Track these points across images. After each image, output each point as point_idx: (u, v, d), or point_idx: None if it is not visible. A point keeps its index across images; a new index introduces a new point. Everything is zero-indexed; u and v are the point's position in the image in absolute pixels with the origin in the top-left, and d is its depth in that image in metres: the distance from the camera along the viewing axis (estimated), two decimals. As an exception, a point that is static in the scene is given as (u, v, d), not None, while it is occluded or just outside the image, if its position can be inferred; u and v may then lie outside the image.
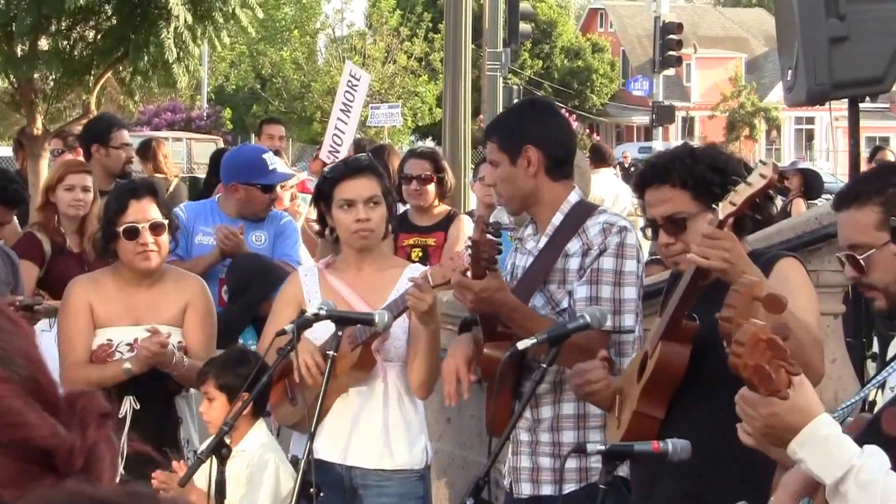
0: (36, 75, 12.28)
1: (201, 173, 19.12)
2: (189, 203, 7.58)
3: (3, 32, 11.78)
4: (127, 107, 14.79)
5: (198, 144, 32.82)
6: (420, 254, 7.19)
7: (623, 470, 4.13)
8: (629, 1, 66.45)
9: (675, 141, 46.49)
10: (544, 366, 4.09)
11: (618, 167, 24.85)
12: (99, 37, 12.36)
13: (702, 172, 4.03)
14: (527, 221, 4.78)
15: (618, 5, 66.07)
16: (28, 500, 1.38)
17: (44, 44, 12.31)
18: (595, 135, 53.49)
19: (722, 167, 4.02)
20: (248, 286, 6.23)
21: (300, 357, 4.64)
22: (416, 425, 4.95)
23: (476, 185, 7.98)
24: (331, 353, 4.47)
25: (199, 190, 10.15)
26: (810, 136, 61.78)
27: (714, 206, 3.80)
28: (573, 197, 4.60)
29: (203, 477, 4.42)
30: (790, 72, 7.51)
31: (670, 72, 43.07)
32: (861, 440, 2.64)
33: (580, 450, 3.69)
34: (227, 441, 4.40)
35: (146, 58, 11.81)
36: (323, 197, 4.97)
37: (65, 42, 12.22)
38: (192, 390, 5.24)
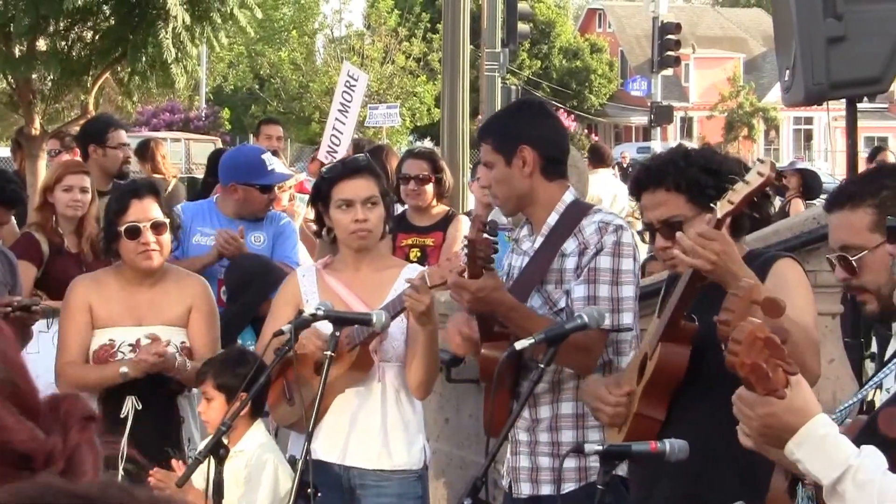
0: (34, 76, 12.28)
1: (200, 174, 19.12)
2: (187, 203, 7.58)
3: (1, 33, 11.78)
4: (125, 107, 14.81)
5: (196, 145, 32.84)
6: (418, 254, 7.19)
7: (623, 469, 4.13)
8: (627, 1, 66.47)
9: (674, 141, 46.52)
10: (542, 366, 4.09)
11: (616, 167, 24.83)
12: (97, 37, 12.36)
13: (695, 175, 4.03)
14: (522, 222, 4.78)
15: (616, 5, 66.08)
16: (1, 494, 1.38)
17: (42, 44, 12.31)
18: (593, 135, 53.49)
19: (716, 169, 4.02)
20: (247, 287, 6.23)
21: (302, 340, 4.64)
22: (414, 425, 4.95)
23: (474, 186, 7.98)
24: (328, 353, 4.47)
25: (198, 190, 10.14)
26: (809, 136, 61.80)
27: (713, 205, 3.80)
28: (568, 197, 4.60)
29: (201, 477, 4.42)
30: (788, 72, 7.51)
31: (669, 72, 43.12)
32: (858, 441, 2.64)
33: (578, 450, 3.69)
34: (225, 441, 4.40)
35: (144, 58, 11.82)
36: (321, 197, 4.97)
37: (63, 42, 12.22)
38: (195, 390, 5.25)
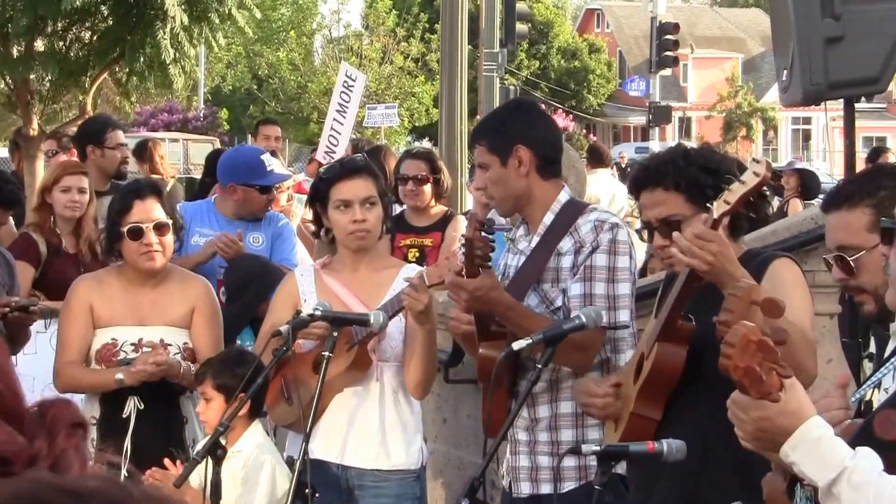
0: (32, 76, 12.27)
1: (198, 174, 19.12)
2: (185, 204, 7.58)
3: (-1, 33, 11.77)
4: (123, 108, 14.80)
5: (194, 145, 32.84)
6: (417, 254, 7.19)
7: (623, 467, 4.14)
8: (626, 1, 66.47)
9: (672, 141, 46.50)
10: (539, 366, 4.09)
11: (614, 168, 24.84)
12: (95, 38, 12.34)
13: (695, 174, 4.03)
14: (518, 222, 4.78)
15: (614, 6, 66.09)
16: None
17: (40, 45, 12.29)
18: (592, 135, 53.51)
19: (715, 168, 4.02)
20: (246, 287, 6.23)
21: (309, 336, 4.64)
22: (412, 425, 4.95)
23: (472, 186, 7.98)
24: (326, 353, 4.47)
25: (195, 191, 10.15)
26: (807, 136, 61.82)
27: (709, 205, 3.80)
28: (563, 196, 4.61)
29: (199, 478, 4.42)
30: (785, 72, 7.51)
31: (667, 72, 43.15)
32: (854, 444, 2.64)
33: (575, 451, 3.69)
34: (223, 442, 4.40)
35: (142, 59, 11.80)
36: (319, 197, 4.97)
37: (61, 43, 12.21)
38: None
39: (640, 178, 4.18)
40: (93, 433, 5.23)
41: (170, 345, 5.21)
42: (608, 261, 4.46)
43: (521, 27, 24.63)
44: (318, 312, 4.49)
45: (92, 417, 5.27)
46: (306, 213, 7.52)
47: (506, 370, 4.41)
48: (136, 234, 5.20)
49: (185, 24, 11.72)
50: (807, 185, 12.49)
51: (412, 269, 4.96)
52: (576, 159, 6.82)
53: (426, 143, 40.53)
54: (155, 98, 33.65)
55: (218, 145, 27.08)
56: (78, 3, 11.24)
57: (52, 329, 6.57)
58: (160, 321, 5.26)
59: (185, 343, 5.25)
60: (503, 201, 4.62)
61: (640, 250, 11.79)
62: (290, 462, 4.71)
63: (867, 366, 7.49)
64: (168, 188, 9.82)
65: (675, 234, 3.83)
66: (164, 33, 11.64)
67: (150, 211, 5.24)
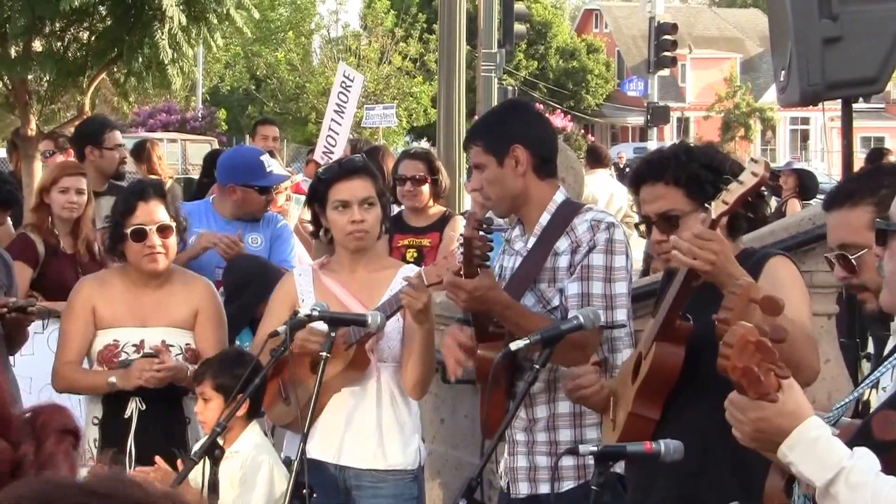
0: (30, 77, 12.27)
1: (196, 174, 19.11)
2: (183, 204, 7.58)
3: (-3, 34, 11.77)
4: (121, 108, 14.80)
5: (193, 145, 32.81)
6: (415, 254, 7.19)
7: (622, 467, 4.13)
8: (624, 1, 66.47)
9: (670, 142, 46.46)
10: (537, 367, 4.09)
11: (612, 168, 24.82)
12: (93, 38, 12.34)
13: (696, 171, 4.03)
14: (514, 223, 4.78)
15: (613, 6, 66.09)
16: (7, 492, 1.39)
17: (38, 45, 12.29)
18: (590, 135, 53.54)
19: (717, 166, 4.02)
20: (245, 288, 6.23)
21: (303, 343, 4.64)
22: (410, 426, 4.95)
23: (469, 187, 7.97)
24: (323, 353, 4.47)
25: (193, 191, 10.14)
26: (805, 136, 61.83)
27: (707, 205, 3.80)
28: (559, 196, 4.61)
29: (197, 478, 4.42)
30: (783, 72, 7.52)
31: (665, 72, 43.13)
32: (852, 444, 2.64)
33: (573, 451, 3.69)
34: (221, 442, 4.40)
35: (140, 59, 11.80)
36: (317, 198, 4.97)
37: (59, 43, 12.21)
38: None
39: (642, 172, 4.18)
40: (95, 433, 5.24)
41: (171, 346, 5.21)
42: (605, 260, 4.47)
43: (519, 27, 24.64)
44: (315, 313, 4.49)
45: (94, 418, 5.27)
46: (304, 214, 7.53)
47: (503, 371, 4.41)
48: (140, 235, 5.20)
49: (183, 24, 11.72)
50: (805, 185, 12.49)
51: (410, 270, 4.95)
52: (574, 160, 6.83)
53: (424, 144, 40.52)
54: (153, 98, 33.64)
55: (216, 145, 27.09)
56: (76, 3, 11.24)
57: (49, 330, 6.57)
58: (162, 322, 5.26)
59: (186, 344, 5.25)
60: (499, 201, 4.61)
61: (637, 250, 11.78)
62: (287, 462, 4.71)
63: (866, 366, 7.49)
64: (166, 189, 9.83)
65: (674, 237, 3.82)
66: (162, 34, 11.64)
67: (153, 213, 5.24)
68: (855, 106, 8.04)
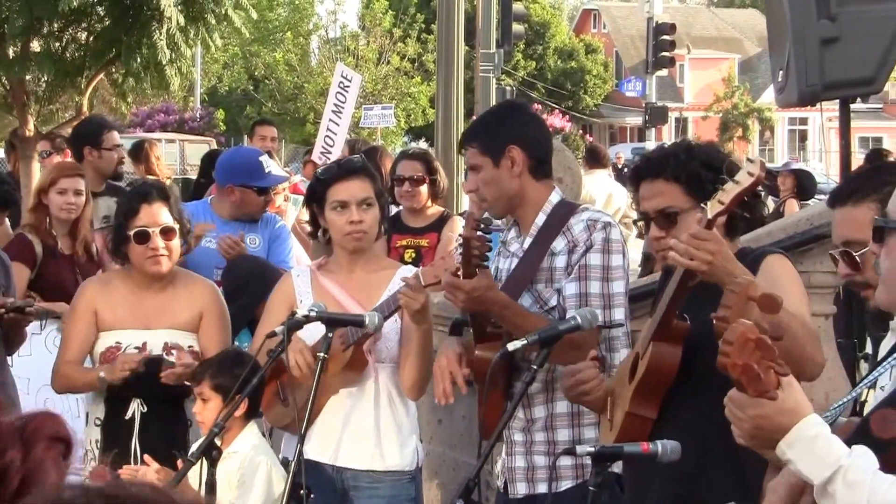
0: (28, 77, 12.25)
1: (194, 175, 19.13)
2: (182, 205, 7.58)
3: (-6, 34, 11.76)
4: (119, 108, 14.78)
5: (191, 146, 32.79)
6: (413, 255, 7.19)
7: (620, 466, 4.13)
8: (622, 2, 66.49)
9: (669, 142, 46.45)
10: (534, 367, 4.09)
11: (611, 168, 24.82)
12: (91, 38, 12.32)
13: (696, 168, 4.04)
14: (510, 224, 4.78)
15: (611, 6, 66.11)
16: (36, 497, 1.40)
17: (36, 45, 12.28)
18: (588, 136, 53.54)
19: (717, 165, 4.02)
20: (244, 288, 6.23)
21: (290, 355, 4.64)
22: (408, 426, 4.95)
23: (465, 188, 7.97)
24: (321, 354, 4.47)
25: (190, 191, 10.14)
26: (803, 136, 61.85)
27: (703, 205, 3.80)
28: (555, 197, 4.61)
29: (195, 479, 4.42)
30: (781, 73, 7.52)
31: (663, 72, 43.14)
32: (851, 442, 2.64)
33: (570, 452, 3.69)
34: (218, 443, 4.40)
35: (139, 59, 11.79)
36: (316, 198, 4.97)
37: (57, 44, 12.19)
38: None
39: (642, 169, 4.19)
40: (97, 434, 5.25)
41: (174, 349, 5.21)
42: (602, 259, 4.47)
43: (517, 27, 24.65)
44: (313, 314, 4.49)
45: (96, 419, 5.28)
46: (302, 214, 7.53)
47: (501, 371, 4.41)
48: (143, 237, 5.20)
49: (181, 24, 11.71)
50: (803, 185, 12.50)
51: (408, 271, 4.95)
52: (571, 160, 6.82)
53: (422, 144, 40.53)
54: (151, 99, 33.60)
55: (214, 146, 27.08)
56: (74, 3, 11.22)
57: (47, 330, 6.58)
58: (165, 325, 5.26)
59: (189, 347, 5.24)
60: (496, 202, 4.61)
61: (636, 251, 11.77)
62: (285, 463, 4.71)
63: (864, 367, 7.49)
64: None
65: (673, 241, 3.82)
66: (160, 34, 11.62)
67: (157, 215, 5.24)
68: (853, 106, 8.04)
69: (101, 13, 12.28)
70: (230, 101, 48.34)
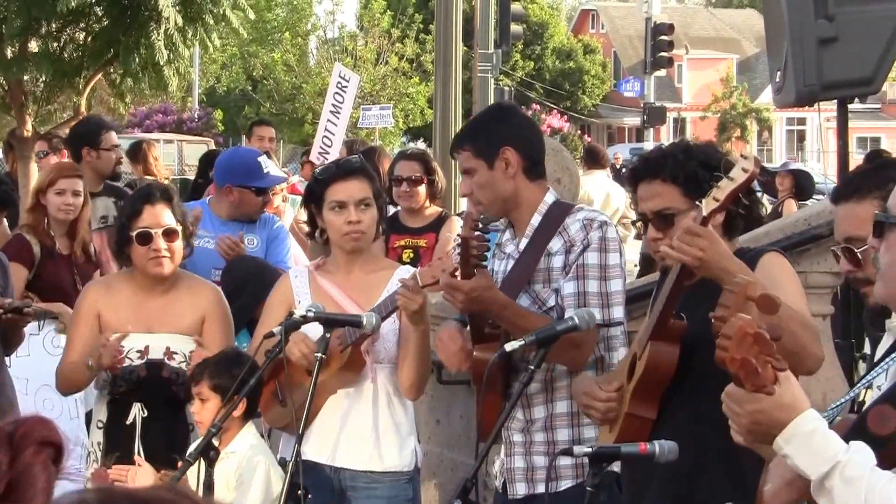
0: (26, 77, 12.27)
1: (192, 175, 19.13)
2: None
3: (-7, 35, 11.76)
4: (117, 109, 14.79)
5: (189, 146, 32.82)
6: (411, 255, 7.18)
7: (619, 465, 4.14)
8: (620, 2, 66.50)
9: (667, 142, 46.41)
10: (531, 367, 4.09)
11: (609, 168, 24.81)
12: (89, 39, 12.33)
13: (693, 169, 4.03)
14: (504, 226, 4.77)
15: (609, 6, 66.12)
16: (62, 501, 1.42)
17: (34, 46, 12.29)
18: (586, 136, 53.54)
19: (716, 165, 4.02)
20: (243, 289, 6.23)
21: (292, 346, 4.64)
22: (406, 427, 4.95)
23: (460, 192, 7.96)
24: (319, 354, 4.47)
25: (188, 192, 10.14)
26: (802, 136, 61.86)
27: (698, 203, 3.80)
28: (549, 197, 4.62)
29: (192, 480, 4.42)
30: (779, 73, 7.52)
31: (662, 73, 43.10)
32: (848, 439, 2.65)
33: (567, 452, 3.69)
34: (216, 443, 4.40)
35: (136, 60, 11.79)
36: (314, 198, 4.97)
37: (55, 44, 12.20)
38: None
39: (639, 170, 4.19)
40: (99, 437, 5.24)
41: (175, 353, 5.21)
42: (599, 258, 4.47)
43: (515, 28, 24.64)
44: (310, 314, 4.49)
45: (98, 421, 5.28)
46: (301, 214, 7.53)
47: (499, 372, 4.41)
48: (145, 238, 5.19)
49: (179, 25, 11.72)
50: (801, 185, 12.50)
51: (406, 271, 4.95)
52: (569, 160, 6.83)
53: (421, 144, 40.52)
54: (149, 99, 33.61)
55: (213, 146, 27.08)
56: (72, 4, 11.23)
57: (45, 331, 6.58)
58: (167, 328, 5.25)
59: (192, 351, 5.23)
60: (491, 205, 4.60)
61: (634, 251, 11.75)
62: (282, 463, 4.71)
63: (862, 367, 7.50)
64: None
65: (666, 241, 3.83)
66: (158, 34, 11.63)
67: (159, 216, 5.23)
68: (851, 106, 8.05)
69: (99, 13, 12.29)
70: (228, 102, 48.33)
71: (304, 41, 47.78)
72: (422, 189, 7.31)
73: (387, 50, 41.97)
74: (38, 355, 6.48)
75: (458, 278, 4.40)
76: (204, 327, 5.27)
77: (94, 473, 5.14)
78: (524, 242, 4.60)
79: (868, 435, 2.70)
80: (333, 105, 12.43)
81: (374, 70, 41.08)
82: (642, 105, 44.16)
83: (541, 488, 4.52)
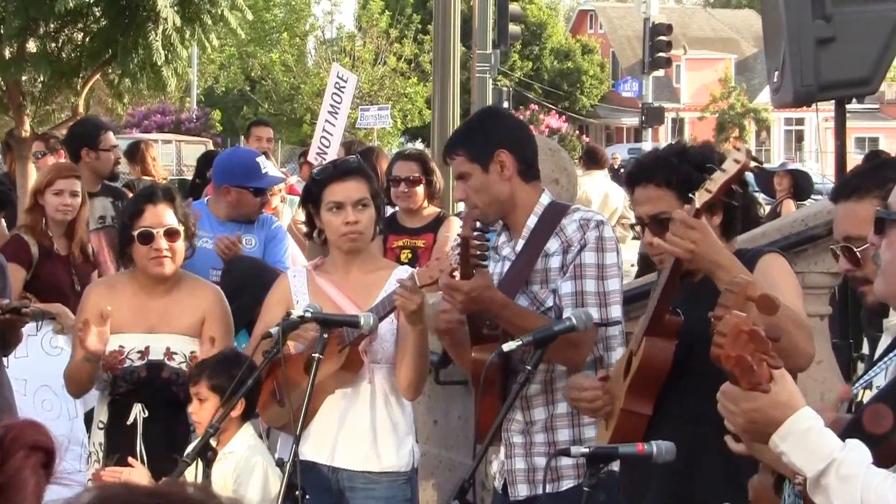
0: (24, 78, 12.27)
1: (191, 175, 19.13)
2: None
3: (-9, 35, 11.77)
4: (115, 109, 14.79)
5: (187, 146, 32.81)
6: (409, 255, 7.18)
7: (618, 464, 4.14)
8: (619, 2, 66.50)
9: (665, 142, 46.49)
10: (528, 367, 4.09)
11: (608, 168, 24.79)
12: (87, 39, 12.34)
13: (688, 172, 4.03)
14: (499, 229, 4.76)
15: (607, 7, 66.12)
16: (83, 497, 1.43)
17: (32, 46, 12.29)
18: (585, 136, 53.54)
19: (712, 167, 4.02)
20: (242, 290, 6.23)
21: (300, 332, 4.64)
22: (404, 427, 4.95)
23: (455, 197, 7.96)
24: (316, 355, 4.47)
25: (186, 192, 10.13)
26: (800, 136, 61.87)
27: (690, 195, 3.81)
28: (545, 199, 4.62)
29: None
30: (777, 73, 7.53)
31: (660, 73, 43.14)
32: (844, 437, 2.65)
33: (564, 453, 3.69)
34: (214, 444, 4.40)
35: (135, 60, 11.80)
36: (311, 199, 4.97)
37: (53, 44, 12.20)
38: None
39: (634, 174, 4.20)
40: (100, 437, 5.24)
41: (175, 353, 5.20)
42: (597, 258, 4.48)
43: (513, 28, 24.63)
44: (308, 314, 4.49)
45: (100, 422, 5.27)
46: (299, 215, 7.53)
47: (497, 373, 4.41)
48: (147, 238, 5.19)
49: (177, 25, 11.72)
50: (800, 185, 12.50)
51: (404, 271, 4.95)
52: (567, 161, 6.83)
53: (419, 145, 40.52)
54: (147, 100, 33.62)
55: (211, 147, 27.07)
56: (70, 4, 11.23)
57: (43, 331, 6.58)
58: (168, 329, 5.24)
59: (192, 352, 5.22)
60: (487, 208, 4.59)
61: (630, 251, 11.76)
62: (280, 464, 4.71)
63: (861, 368, 7.50)
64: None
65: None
66: (157, 35, 11.63)
67: (161, 216, 5.22)
68: (849, 106, 8.05)
69: (98, 14, 12.29)
70: (227, 102, 48.32)
71: (303, 41, 47.76)
72: (420, 189, 7.30)
73: (385, 50, 41.96)
74: (37, 356, 6.49)
75: (457, 278, 4.40)
76: (203, 327, 5.27)
77: (94, 474, 5.14)
78: (520, 244, 4.60)
79: (863, 433, 2.71)
80: (331, 105, 12.42)
81: (372, 70, 41.07)
82: (640, 105, 44.18)
83: (542, 488, 4.53)
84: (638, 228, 4.30)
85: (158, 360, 5.18)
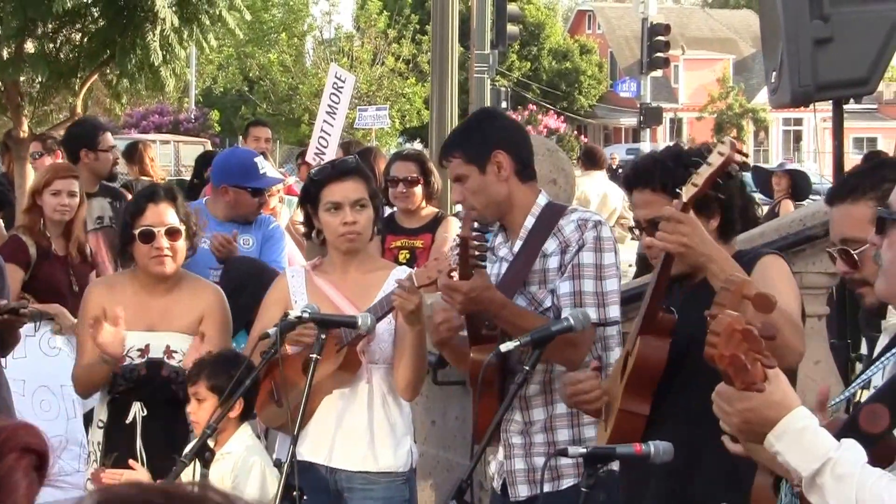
0: (22, 78, 12.25)
1: (189, 176, 19.13)
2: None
3: (-11, 35, 11.75)
4: (113, 109, 14.78)
5: (185, 147, 32.84)
6: (407, 256, 7.18)
7: (617, 464, 4.15)
8: (617, 2, 66.53)
9: (663, 142, 46.52)
10: (526, 368, 4.10)
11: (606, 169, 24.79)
12: (85, 39, 12.32)
13: (683, 176, 4.03)
14: (496, 230, 4.76)
15: (605, 7, 66.14)
16: (93, 497, 1.44)
17: (30, 46, 12.27)
18: (583, 137, 53.54)
19: (697, 161, 4.02)
20: (242, 290, 6.23)
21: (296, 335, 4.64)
22: (402, 427, 4.95)
23: (453, 199, 7.96)
24: (314, 356, 4.47)
25: (184, 192, 10.12)
26: (798, 137, 61.88)
27: (678, 190, 3.82)
28: (542, 199, 4.62)
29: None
30: (774, 73, 7.53)
31: (658, 73, 43.17)
32: (840, 436, 2.65)
33: (562, 453, 3.69)
34: (211, 444, 4.40)
35: (133, 60, 11.78)
36: (310, 199, 4.97)
37: (51, 45, 12.19)
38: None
39: (631, 178, 4.20)
40: (99, 436, 5.24)
41: (175, 352, 5.20)
42: (595, 258, 4.48)
43: (512, 28, 24.63)
44: (306, 315, 4.49)
45: (99, 421, 5.28)
46: (297, 215, 7.53)
47: (495, 374, 4.41)
48: (148, 237, 5.19)
49: (175, 25, 11.71)
50: (798, 185, 12.50)
51: (403, 272, 4.95)
52: (565, 161, 6.83)
53: (417, 145, 40.51)
54: (146, 100, 33.61)
55: (209, 147, 27.08)
56: (68, 5, 11.22)
57: (41, 332, 6.58)
58: (168, 328, 5.24)
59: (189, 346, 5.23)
60: (485, 209, 4.59)
61: (629, 251, 11.76)
62: (278, 464, 4.71)
63: (859, 368, 7.50)
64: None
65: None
66: (154, 35, 11.62)
67: (162, 215, 5.22)
68: (847, 107, 8.05)
69: (95, 14, 12.28)
70: (225, 102, 48.31)
71: (301, 42, 47.74)
72: (418, 190, 7.31)
73: (383, 50, 41.96)
74: (35, 357, 6.49)
75: (456, 279, 4.40)
76: (202, 327, 5.27)
77: (93, 474, 5.14)
78: (518, 245, 4.60)
79: (859, 433, 2.71)
80: (330, 106, 12.43)
81: (370, 71, 41.07)
82: (639, 105, 44.20)
83: (544, 488, 4.53)
84: (637, 231, 4.30)
85: (158, 359, 5.18)
